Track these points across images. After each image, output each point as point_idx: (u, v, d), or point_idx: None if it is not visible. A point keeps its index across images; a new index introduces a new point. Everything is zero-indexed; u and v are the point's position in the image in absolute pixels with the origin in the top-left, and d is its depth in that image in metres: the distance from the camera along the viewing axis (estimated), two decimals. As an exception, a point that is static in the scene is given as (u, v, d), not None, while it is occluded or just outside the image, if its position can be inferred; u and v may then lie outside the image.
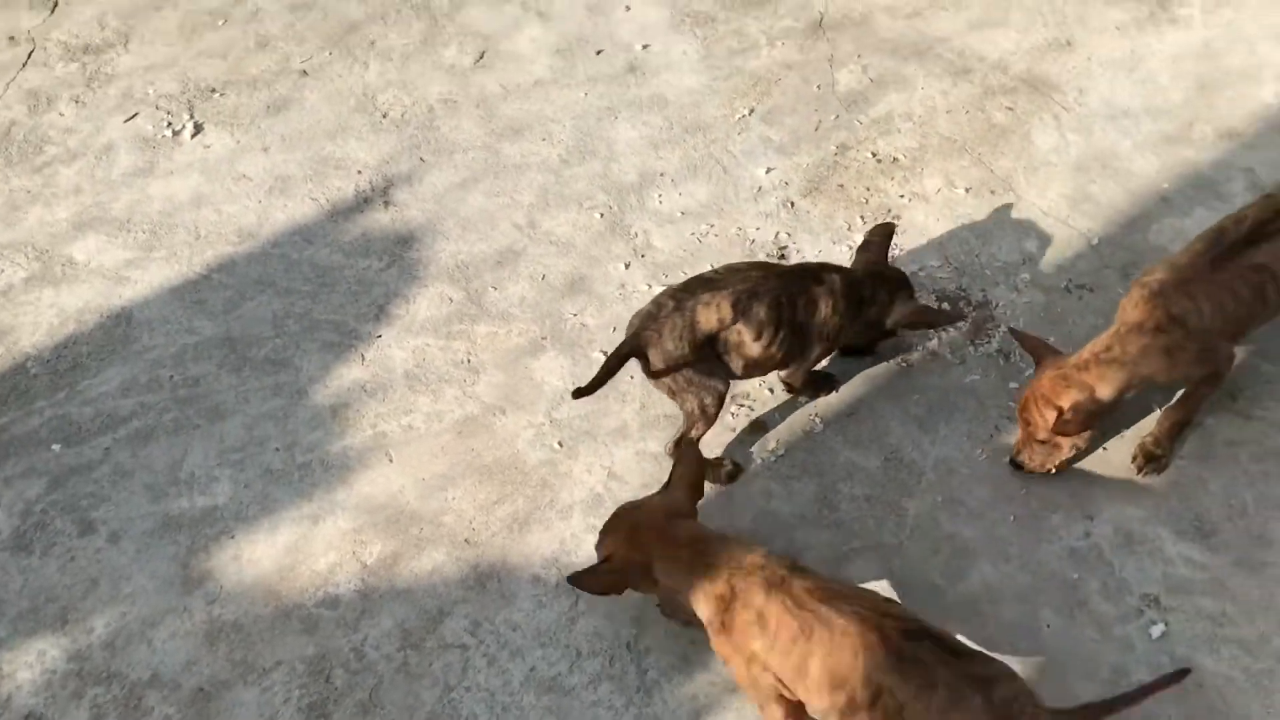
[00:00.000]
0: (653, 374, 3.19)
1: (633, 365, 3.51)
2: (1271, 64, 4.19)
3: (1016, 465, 3.33)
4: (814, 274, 3.29)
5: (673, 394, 3.22)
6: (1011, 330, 3.42)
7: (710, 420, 3.26)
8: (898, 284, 3.42)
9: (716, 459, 3.39)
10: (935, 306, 3.58)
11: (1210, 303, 3.13)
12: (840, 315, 3.32)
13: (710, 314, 3.13)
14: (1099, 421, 3.27)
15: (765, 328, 3.17)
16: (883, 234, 3.51)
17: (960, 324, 3.65)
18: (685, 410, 3.25)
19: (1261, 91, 4.12)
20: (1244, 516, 3.25)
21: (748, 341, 3.17)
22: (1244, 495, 3.28)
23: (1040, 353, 3.28)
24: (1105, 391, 3.15)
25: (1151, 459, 3.36)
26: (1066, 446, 3.30)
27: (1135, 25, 4.42)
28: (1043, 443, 3.29)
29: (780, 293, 3.19)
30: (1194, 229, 3.80)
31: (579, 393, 3.11)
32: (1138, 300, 3.20)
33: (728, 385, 3.25)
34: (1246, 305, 3.17)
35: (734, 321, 3.14)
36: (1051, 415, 3.16)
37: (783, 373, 3.45)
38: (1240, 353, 3.53)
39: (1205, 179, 3.94)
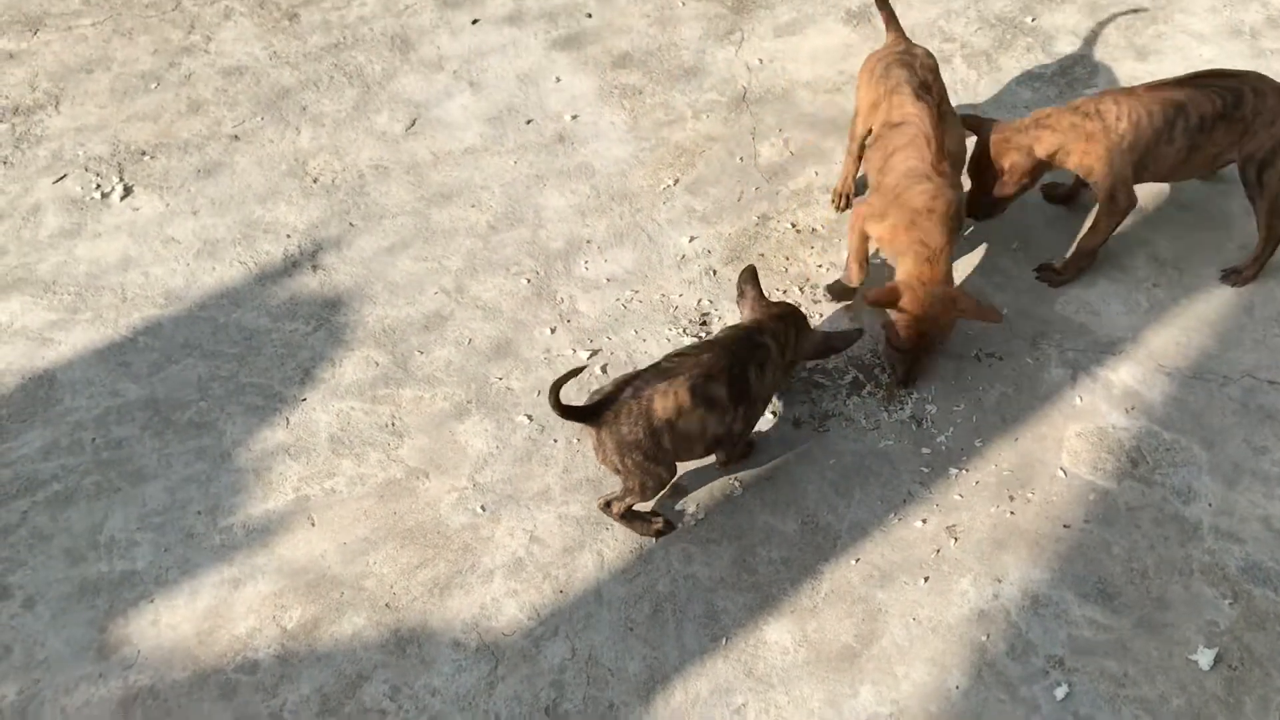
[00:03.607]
0: (603, 458, 3.26)
1: (558, 431, 3.58)
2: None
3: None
4: (752, 336, 3.40)
5: (617, 471, 3.28)
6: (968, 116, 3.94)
7: (646, 499, 3.35)
8: (796, 318, 3.56)
9: (649, 514, 3.45)
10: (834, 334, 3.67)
11: (1130, 115, 3.73)
12: (776, 370, 3.44)
13: (667, 402, 3.20)
14: (1032, 181, 3.88)
15: (728, 407, 3.29)
16: (751, 275, 3.61)
17: (853, 346, 3.84)
18: (627, 486, 3.32)
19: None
20: (1144, 579, 3.37)
21: (711, 424, 3.28)
22: (1145, 559, 3.41)
23: (978, 124, 3.88)
24: (1040, 151, 3.79)
25: (1050, 270, 4.05)
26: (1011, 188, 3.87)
27: (1044, 102, 4.61)
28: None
29: (733, 366, 3.30)
30: (1098, 300, 3.98)
31: (554, 391, 3.13)
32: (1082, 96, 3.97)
33: (673, 473, 3.35)
34: (1155, 133, 3.74)
35: (695, 407, 3.23)
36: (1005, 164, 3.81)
37: (720, 454, 3.53)
38: (1142, 421, 3.68)
39: (1108, 252, 4.11)
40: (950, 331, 3.70)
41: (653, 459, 3.25)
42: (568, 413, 3.14)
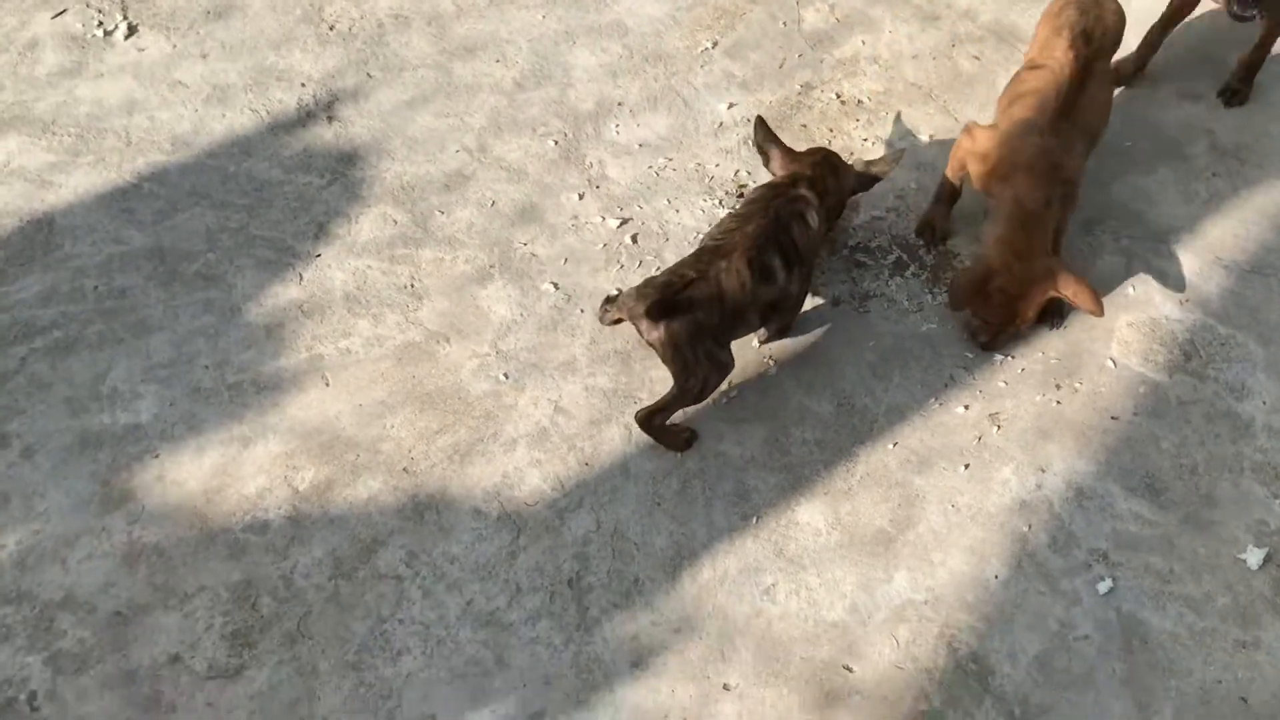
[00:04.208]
0: (673, 353, 3.02)
1: (584, 300, 3.40)
2: (1239, 29, 4.14)
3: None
4: (788, 193, 3.24)
5: (684, 368, 3.04)
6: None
7: (703, 398, 3.15)
8: (830, 161, 3.40)
9: (677, 425, 3.24)
10: (881, 166, 3.48)
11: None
12: (821, 219, 3.29)
13: (733, 280, 3.03)
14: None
15: (781, 271, 3.13)
16: (766, 132, 3.43)
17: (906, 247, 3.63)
18: (686, 387, 3.07)
19: (1228, 57, 4.07)
20: (1193, 475, 3.23)
21: (766, 294, 3.12)
22: (1194, 455, 3.27)
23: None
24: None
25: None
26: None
27: (1105, -20, 4.34)
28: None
29: (778, 231, 3.13)
30: (1155, 188, 3.78)
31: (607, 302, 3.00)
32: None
33: (733, 362, 3.16)
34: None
35: (757, 280, 3.07)
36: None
37: (774, 325, 3.36)
38: (1197, 314, 3.51)
39: (1168, 139, 3.90)
40: (1043, 306, 3.39)
41: (723, 345, 3.08)
42: (651, 310, 2.92)
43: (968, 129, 3.52)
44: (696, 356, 3.02)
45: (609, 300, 3.30)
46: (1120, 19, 3.59)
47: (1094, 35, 3.47)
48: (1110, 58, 3.57)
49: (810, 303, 3.51)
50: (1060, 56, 3.45)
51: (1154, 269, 3.62)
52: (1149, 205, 3.76)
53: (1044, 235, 3.33)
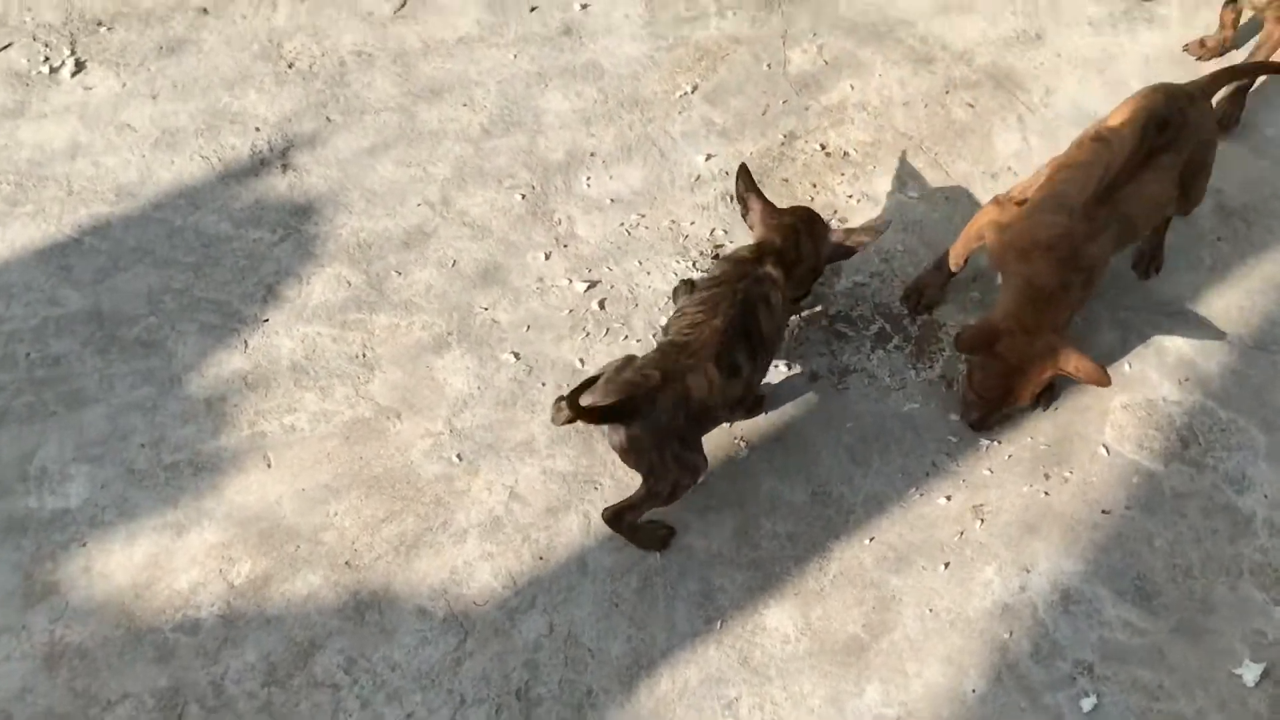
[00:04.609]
0: (636, 458, 2.83)
1: (547, 373, 3.21)
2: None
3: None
4: (755, 271, 3.02)
5: (650, 472, 2.84)
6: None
7: (674, 500, 2.92)
8: (810, 224, 3.19)
9: (652, 522, 3.02)
10: (857, 234, 3.22)
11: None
12: (784, 296, 3.10)
13: (701, 382, 2.82)
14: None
15: (747, 364, 2.93)
16: (749, 181, 3.22)
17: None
18: (654, 491, 2.86)
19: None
20: (1188, 578, 3.03)
21: (734, 390, 2.93)
22: (1189, 554, 3.07)
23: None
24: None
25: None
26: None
27: (1110, 21, 4.11)
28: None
29: (746, 321, 2.92)
30: (1157, 254, 3.56)
31: (572, 401, 2.72)
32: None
33: (705, 463, 2.94)
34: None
35: (725, 379, 2.87)
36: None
37: (735, 416, 3.17)
38: (1197, 395, 3.31)
39: (1173, 199, 3.67)
40: (1042, 387, 3.17)
41: (693, 447, 2.87)
42: (595, 415, 2.72)
43: (997, 200, 3.29)
44: (664, 461, 2.82)
45: (562, 399, 3.10)
46: (1206, 131, 3.27)
47: (1169, 128, 3.14)
48: (1182, 157, 3.18)
49: (786, 376, 3.31)
50: (1126, 135, 3.13)
51: (1153, 344, 3.41)
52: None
53: (1055, 315, 3.08)
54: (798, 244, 3.14)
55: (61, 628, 2.89)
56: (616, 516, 2.92)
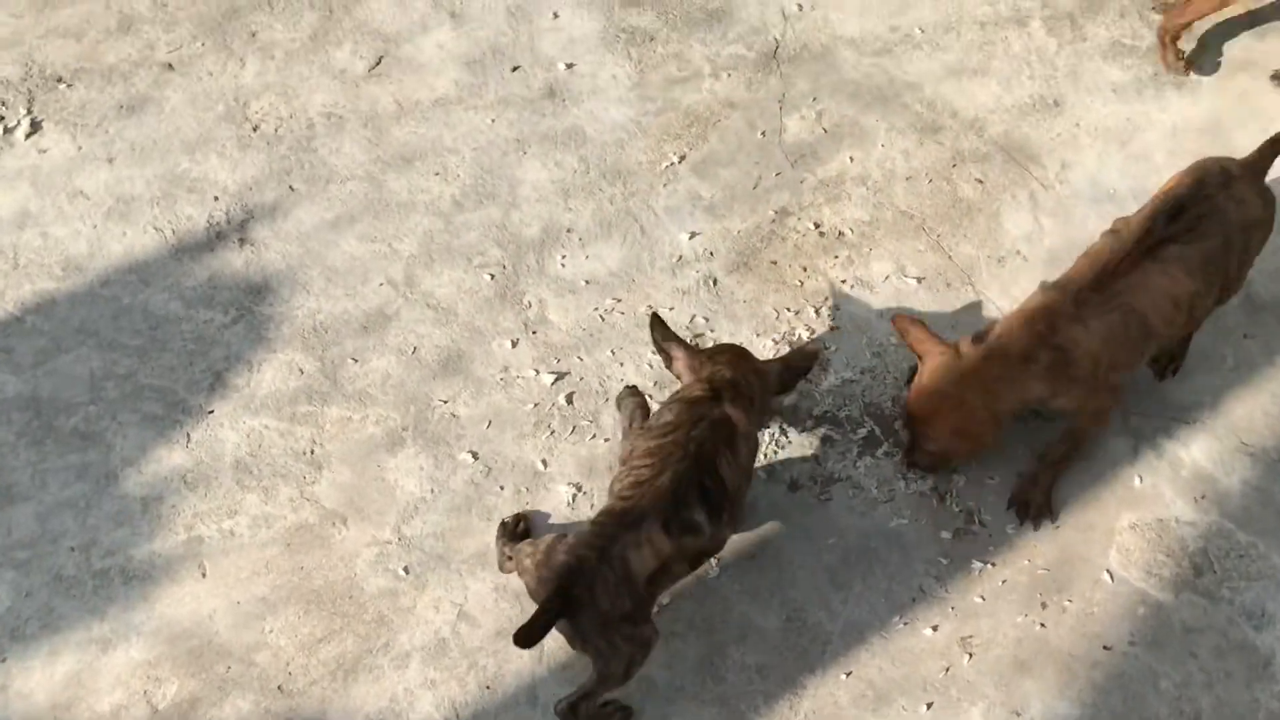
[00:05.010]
0: (584, 645, 2.57)
1: (506, 476, 2.99)
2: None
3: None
4: (710, 414, 2.74)
5: (599, 656, 2.58)
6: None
7: (629, 678, 2.64)
8: (747, 360, 2.92)
9: (609, 706, 2.74)
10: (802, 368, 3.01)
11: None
12: (752, 444, 2.82)
13: (643, 553, 2.56)
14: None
15: (707, 524, 2.65)
16: (663, 328, 2.98)
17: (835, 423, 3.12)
18: (608, 672, 2.60)
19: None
20: (1196, 727, 2.76)
21: (693, 546, 2.66)
22: (1199, 700, 2.80)
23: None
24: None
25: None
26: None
27: (1135, 87, 3.81)
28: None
29: (701, 474, 2.65)
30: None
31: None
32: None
33: (657, 633, 2.66)
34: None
35: (674, 543, 2.60)
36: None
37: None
38: (1213, 515, 3.03)
39: (1195, 291, 3.38)
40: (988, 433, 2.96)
41: (641, 622, 2.60)
42: (536, 629, 2.45)
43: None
44: (613, 645, 2.56)
45: (507, 543, 2.86)
46: (1246, 213, 2.95)
47: (1185, 216, 2.88)
48: (1200, 248, 2.88)
49: (763, 484, 3.07)
50: (1135, 221, 2.93)
51: (1167, 455, 3.13)
52: (1167, 373, 3.27)
53: (1004, 387, 2.87)
54: (747, 378, 2.85)
55: (-28, 754, 2.71)
56: (571, 710, 2.65)
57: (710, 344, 3.27)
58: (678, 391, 2.84)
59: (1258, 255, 3.05)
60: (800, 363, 2.96)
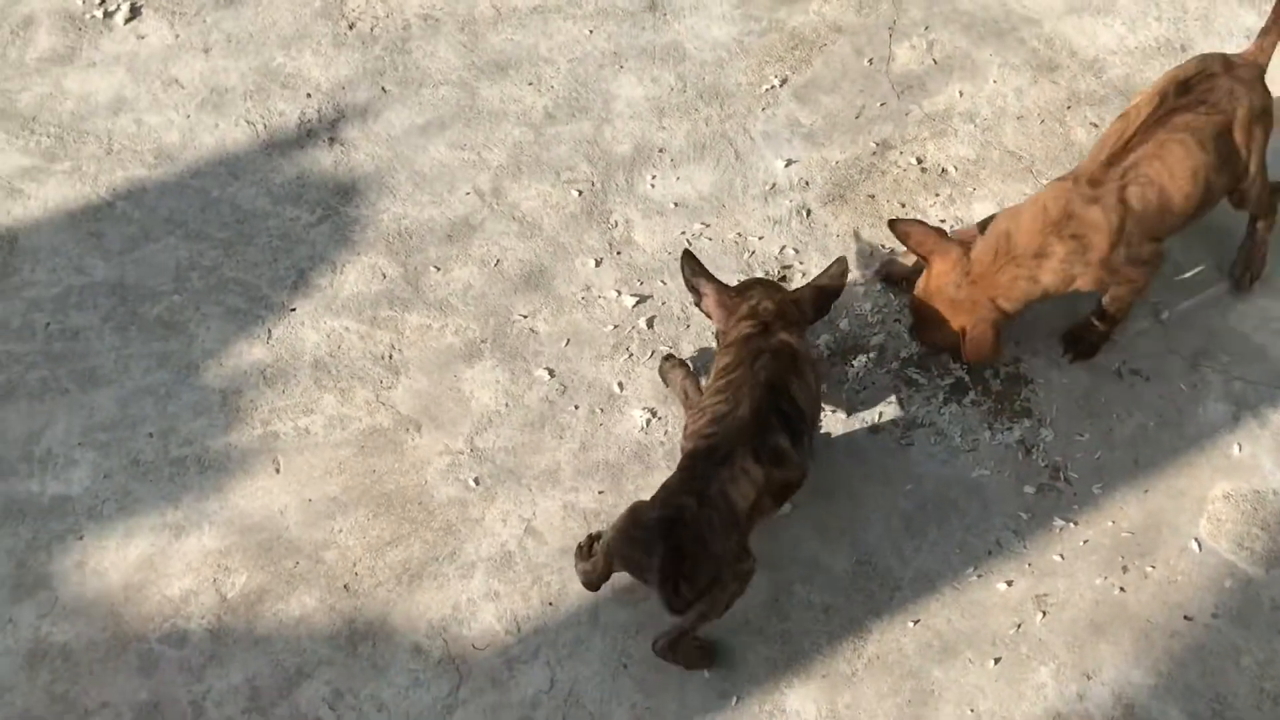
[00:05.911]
0: (693, 592, 2.46)
1: (582, 394, 2.95)
2: None
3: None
4: (769, 344, 2.69)
5: (713, 608, 2.52)
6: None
7: (726, 611, 2.58)
8: (774, 289, 2.87)
9: (700, 641, 2.68)
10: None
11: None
12: (817, 368, 2.83)
13: (743, 486, 2.50)
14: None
15: (790, 447, 2.60)
16: (695, 264, 2.89)
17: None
18: (711, 611, 2.53)
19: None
20: (1275, 706, 2.66)
21: (776, 479, 2.60)
22: (1281, 679, 2.69)
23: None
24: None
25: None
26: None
27: (1270, 35, 3.58)
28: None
29: (778, 400, 2.59)
30: (1288, 320, 3.12)
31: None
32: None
33: (756, 562, 2.59)
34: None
35: (767, 470, 2.54)
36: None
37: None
38: (1312, 491, 2.90)
39: (1314, 255, 3.21)
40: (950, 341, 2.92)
41: (746, 557, 2.54)
42: (678, 601, 2.42)
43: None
44: (724, 586, 2.50)
45: (584, 548, 2.71)
46: (1251, 99, 2.90)
47: (1194, 88, 2.86)
48: (1211, 120, 2.84)
49: (845, 426, 2.99)
50: (1141, 103, 2.89)
51: (1270, 425, 3.00)
52: (1275, 336, 3.11)
53: (1011, 282, 2.81)
54: (789, 305, 2.80)
55: (48, 625, 2.77)
56: (670, 647, 2.60)
57: (798, 278, 3.18)
58: (723, 336, 2.78)
59: (1265, 148, 2.95)
60: (832, 284, 2.87)
